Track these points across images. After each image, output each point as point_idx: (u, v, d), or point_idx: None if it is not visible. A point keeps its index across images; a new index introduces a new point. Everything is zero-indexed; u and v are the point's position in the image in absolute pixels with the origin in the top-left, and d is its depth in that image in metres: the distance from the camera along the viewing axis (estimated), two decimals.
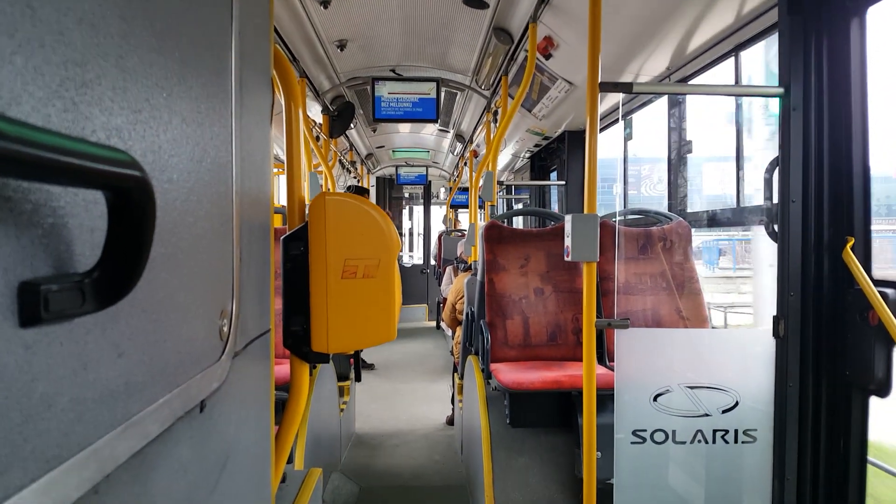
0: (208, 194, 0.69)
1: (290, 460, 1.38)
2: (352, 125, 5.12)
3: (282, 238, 1.10)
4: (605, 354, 2.91)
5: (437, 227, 10.57)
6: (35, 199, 0.38)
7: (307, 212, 1.10)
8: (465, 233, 5.45)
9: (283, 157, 1.21)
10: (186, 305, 0.63)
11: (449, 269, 6.46)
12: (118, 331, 0.48)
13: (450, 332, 5.90)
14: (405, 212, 11.83)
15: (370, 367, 6.16)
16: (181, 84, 0.60)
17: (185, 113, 0.62)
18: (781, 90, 1.89)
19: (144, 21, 0.52)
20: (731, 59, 2.64)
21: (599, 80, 1.86)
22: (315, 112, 4.70)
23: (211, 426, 0.72)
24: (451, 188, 8.88)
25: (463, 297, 4.28)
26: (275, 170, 1.31)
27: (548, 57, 3.28)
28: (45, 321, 0.37)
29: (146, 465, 0.54)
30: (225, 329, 0.75)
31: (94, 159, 0.37)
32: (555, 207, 6.25)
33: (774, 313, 1.95)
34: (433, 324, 9.25)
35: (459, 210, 10.57)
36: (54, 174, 0.34)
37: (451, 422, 4.71)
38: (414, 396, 5.51)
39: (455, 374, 4.33)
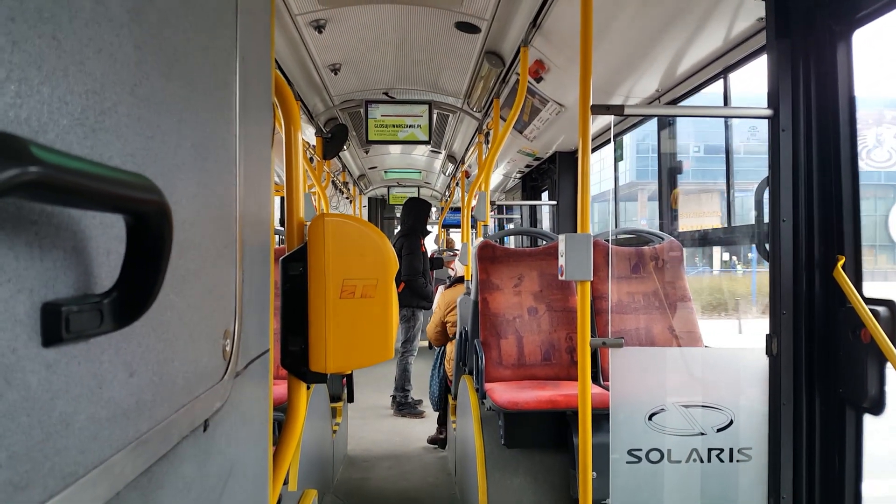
0: (214, 216, 0.70)
1: (285, 481, 1.37)
2: (345, 147, 5.16)
3: (281, 259, 1.10)
4: (599, 373, 2.92)
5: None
6: (57, 222, 0.39)
7: (306, 233, 1.11)
8: (458, 252, 5.47)
9: (279, 179, 1.22)
10: (192, 325, 0.63)
11: (441, 289, 6.46)
12: (131, 350, 0.49)
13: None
14: (398, 232, 11.84)
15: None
16: (189, 110, 0.62)
17: (194, 137, 0.63)
18: (770, 112, 1.92)
19: (155, 48, 0.54)
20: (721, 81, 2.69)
21: (591, 103, 1.89)
22: (308, 134, 4.74)
23: (213, 446, 0.72)
24: (442, 208, 8.92)
25: (451, 310, 4.28)
26: None
27: (539, 80, 3.33)
28: (65, 341, 0.38)
29: (153, 483, 0.55)
30: (227, 349, 0.76)
31: (119, 185, 0.38)
32: (545, 227, 6.28)
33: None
34: (425, 343, 9.22)
35: (451, 230, 10.59)
36: (84, 199, 0.36)
37: (433, 441, 4.66)
38: (406, 416, 5.47)
39: (448, 394, 4.31)
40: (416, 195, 9.33)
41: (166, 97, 0.56)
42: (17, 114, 0.35)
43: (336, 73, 3.86)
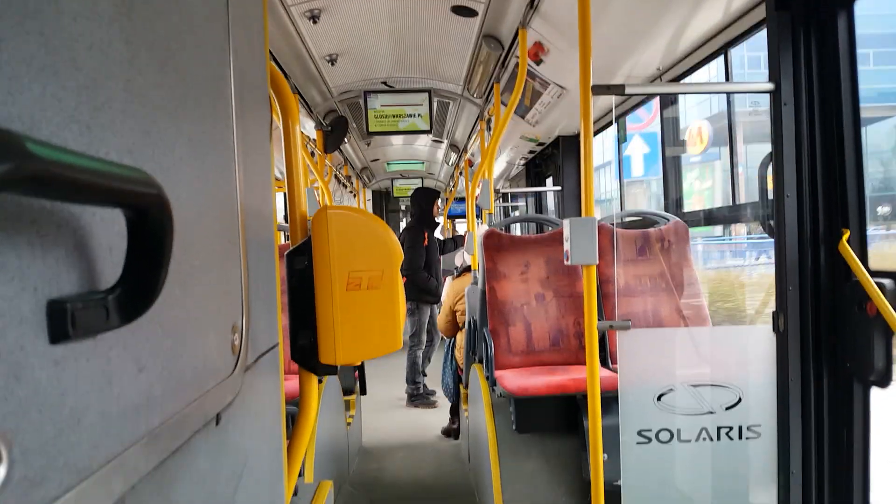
0: (215, 211, 0.71)
1: (301, 473, 1.39)
2: (346, 140, 5.14)
3: (286, 253, 1.11)
4: (607, 357, 2.92)
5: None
6: (57, 219, 0.39)
7: (309, 226, 1.11)
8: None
9: (280, 175, 1.22)
10: (200, 320, 0.64)
11: (449, 279, 6.46)
12: (138, 346, 0.49)
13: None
14: (402, 224, 11.85)
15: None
16: (185, 105, 0.62)
17: (191, 132, 0.63)
18: (772, 86, 1.91)
19: (147, 43, 0.54)
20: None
21: (592, 84, 1.88)
22: (308, 128, 4.73)
23: (226, 439, 0.73)
24: (447, 199, 8.92)
25: (460, 298, 4.28)
26: None
27: (538, 62, 3.31)
28: (72, 337, 0.39)
29: (168, 477, 0.55)
30: (236, 343, 0.76)
31: (116, 179, 0.39)
32: (551, 213, 6.27)
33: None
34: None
35: (456, 220, 10.58)
36: (82, 194, 0.36)
37: (446, 432, 4.67)
38: (419, 407, 5.51)
39: (459, 383, 4.33)
40: (419, 186, 9.30)
41: (160, 92, 0.56)
42: (10, 112, 0.35)
43: (333, 64, 3.85)
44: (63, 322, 0.38)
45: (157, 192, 0.43)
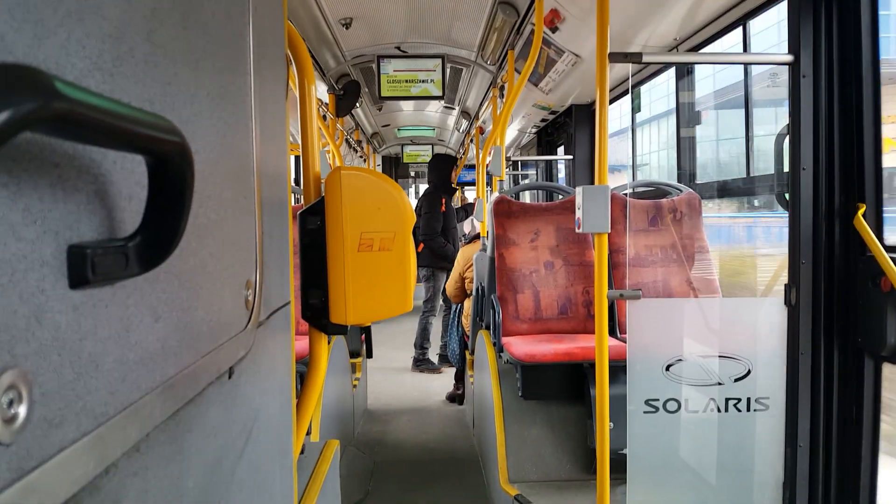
0: (231, 167, 0.70)
1: (308, 432, 1.41)
2: (357, 104, 5.09)
3: (298, 213, 1.11)
4: (616, 326, 2.93)
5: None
6: (79, 164, 0.39)
7: (323, 187, 1.11)
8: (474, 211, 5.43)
9: (293, 139, 1.22)
10: (215, 274, 0.64)
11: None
12: (155, 296, 0.50)
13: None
14: (412, 190, 11.82)
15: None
16: (205, 59, 0.62)
17: (210, 87, 0.63)
18: (791, 58, 1.87)
19: None
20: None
21: (609, 51, 1.84)
22: (321, 92, 4.69)
23: (238, 393, 0.74)
24: (457, 166, 8.87)
25: (471, 265, 4.29)
26: None
27: (554, 30, 3.25)
28: (91, 283, 0.39)
29: (181, 427, 0.56)
30: (250, 299, 0.77)
31: (141, 125, 0.38)
32: (561, 183, 6.21)
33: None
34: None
35: (466, 188, 10.52)
36: (107, 137, 0.36)
37: (451, 398, 4.74)
38: (423, 372, 5.57)
39: (465, 349, 4.37)
40: (429, 153, 9.23)
41: (181, 45, 0.56)
42: (37, 55, 0.35)
43: (347, 28, 3.79)
44: (83, 267, 0.38)
45: (180, 140, 0.43)
